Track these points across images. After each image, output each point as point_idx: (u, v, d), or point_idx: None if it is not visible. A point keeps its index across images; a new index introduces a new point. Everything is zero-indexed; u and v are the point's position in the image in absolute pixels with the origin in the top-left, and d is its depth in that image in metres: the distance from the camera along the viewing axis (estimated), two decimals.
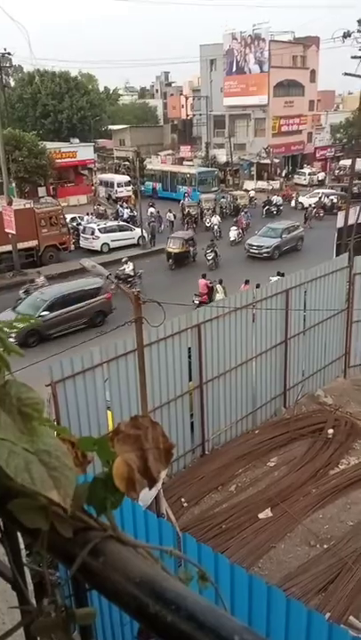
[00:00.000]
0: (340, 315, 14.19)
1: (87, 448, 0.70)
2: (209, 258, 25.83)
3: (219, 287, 20.85)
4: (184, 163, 56.00)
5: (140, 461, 0.64)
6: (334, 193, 37.86)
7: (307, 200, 37.68)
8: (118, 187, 42.68)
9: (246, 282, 19.29)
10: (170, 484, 10.45)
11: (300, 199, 38.76)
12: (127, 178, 43.70)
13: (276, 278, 20.07)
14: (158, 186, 45.40)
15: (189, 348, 11.07)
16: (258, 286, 14.65)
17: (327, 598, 7.94)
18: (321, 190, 40.26)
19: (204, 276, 20.93)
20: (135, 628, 5.58)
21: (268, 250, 27.07)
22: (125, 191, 42.41)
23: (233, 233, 30.11)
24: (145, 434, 0.66)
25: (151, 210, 34.88)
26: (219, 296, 19.95)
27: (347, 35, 18.97)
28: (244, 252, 27.85)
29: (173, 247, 26.44)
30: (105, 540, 0.65)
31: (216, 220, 32.38)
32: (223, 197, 39.24)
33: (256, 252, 27.39)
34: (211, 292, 20.27)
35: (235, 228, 30.50)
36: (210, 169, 47.10)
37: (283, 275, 20.41)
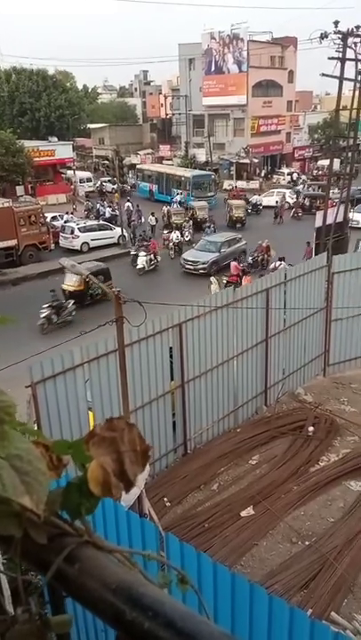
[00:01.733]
0: (320, 313, 14.32)
1: (62, 452, 0.68)
2: (139, 264, 24.77)
3: (213, 279, 21.47)
4: (164, 162, 55.97)
5: (116, 465, 0.63)
6: (299, 192, 39.81)
7: (265, 199, 39.05)
8: (80, 182, 45.23)
9: (248, 273, 21.29)
10: (152, 483, 10.43)
11: (254, 198, 39.30)
12: (89, 174, 45.78)
13: (278, 264, 20.36)
14: (155, 188, 42.97)
15: (171, 348, 11.06)
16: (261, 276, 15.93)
17: (309, 595, 8.00)
18: (278, 190, 41.63)
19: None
20: (113, 634, 5.55)
21: (205, 266, 24.39)
22: (87, 187, 45.09)
23: (141, 259, 25.15)
24: (121, 436, 0.64)
25: (128, 204, 34.93)
26: (213, 287, 20.23)
27: (324, 36, 19.07)
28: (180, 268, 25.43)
29: (69, 284, 20.61)
30: (80, 545, 0.64)
31: (175, 236, 28.30)
32: (210, 202, 36.80)
33: (191, 267, 24.71)
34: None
35: (144, 253, 25.49)
36: (206, 172, 44.13)
37: (283, 259, 20.86)
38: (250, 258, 25.19)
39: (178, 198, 38.30)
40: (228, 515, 9.68)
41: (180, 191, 40.16)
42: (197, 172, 43.25)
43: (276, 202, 37.06)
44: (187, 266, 25.09)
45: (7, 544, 0.67)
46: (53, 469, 0.67)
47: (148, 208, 35.39)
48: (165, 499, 10.20)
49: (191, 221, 31.66)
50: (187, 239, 29.29)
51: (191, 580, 0.79)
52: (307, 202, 36.40)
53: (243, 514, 9.73)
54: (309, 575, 8.30)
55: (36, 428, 8.51)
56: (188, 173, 41.33)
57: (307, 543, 9.08)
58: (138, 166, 48.89)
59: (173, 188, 41.06)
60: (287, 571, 8.42)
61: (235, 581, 5.20)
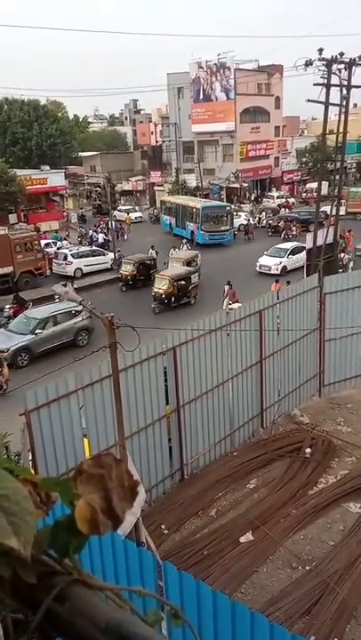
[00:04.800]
0: (313, 334, 14.37)
1: (50, 489, 0.68)
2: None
3: (226, 288, 22.51)
4: (155, 188, 56.63)
5: (103, 502, 0.63)
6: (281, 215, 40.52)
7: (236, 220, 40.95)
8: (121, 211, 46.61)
9: (276, 281, 21.60)
10: (149, 510, 10.29)
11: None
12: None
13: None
14: (173, 221, 38.82)
15: (165, 372, 11.03)
16: (288, 283, 16.79)
17: (311, 621, 7.84)
18: (244, 213, 42.40)
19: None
20: None
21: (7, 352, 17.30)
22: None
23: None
24: (109, 472, 0.65)
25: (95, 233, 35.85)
26: (228, 300, 21.29)
27: (308, 63, 19.59)
28: None
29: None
30: (70, 584, 0.63)
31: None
32: (223, 239, 33.17)
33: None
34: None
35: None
36: (219, 203, 38.82)
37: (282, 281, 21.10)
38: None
39: (183, 247, 31.37)
40: (227, 541, 9.53)
41: (190, 224, 35.78)
42: (208, 202, 38.10)
43: (243, 223, 38.94)
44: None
45: None
46: (41, 507, 0.67)
47: (167, 244, 32.24)
48: (163, 526, 10.04)
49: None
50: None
51: (187, 612, 0.79)
52: (281, 224, 37.39)
53: (242, 540, 9.58)
54: (311, 601, 8.15)
55: (30, 456, 8.41)
56: (199, 204, 36.26)
57: (307, 568, 8.94)
58: (162, 198, 45.53)
59: (187, 221, 36.71)
60: (288, 597, 8.26)
61: (235, 610, 5.11)
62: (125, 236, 37.71)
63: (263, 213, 42.16)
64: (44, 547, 0.65)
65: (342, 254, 25.91)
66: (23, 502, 0.60)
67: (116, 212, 46.31)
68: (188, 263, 26.03)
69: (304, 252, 26.10)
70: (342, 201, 29.79)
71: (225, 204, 39.23)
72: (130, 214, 46.70)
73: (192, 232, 35.49)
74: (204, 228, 34.44)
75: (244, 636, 5.00)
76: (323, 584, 8.41)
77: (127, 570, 6.06)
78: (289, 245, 29.29)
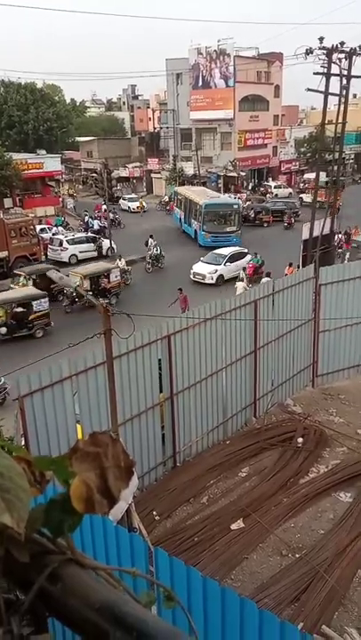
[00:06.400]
0: (308, 325, 14.39)
1: (44, 467, 0.67)
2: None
3: (243, 274, 22.68)
4: (152, 175, 56.23)
5: (99, 480, 0.62)
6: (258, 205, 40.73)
7: (131, 204, 42.40)
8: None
9: (290, 264, 21.15)
10: (141, 497, 10.34)
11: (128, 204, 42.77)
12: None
13: (266, 279, 20.61)
14: (183, 216, 35.42)
15: (160, 360, 11.03)
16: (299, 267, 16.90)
17: (300, 608, 7.94)
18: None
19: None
20: None
21: None
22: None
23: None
24: (105, 451, 0.63)
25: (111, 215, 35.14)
26: (242, 284, 21.25)
27: (309, 52, 19.38)
28: None
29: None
30: (63, 563, 0.62)
31: None
32: (229, 241, 29.24)
33: None
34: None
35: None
36: (226, 200, 34.29)
37: (269, 274, 21.21)
38: None
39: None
40: (218, 528, 9.61)
41: (194, 222, 31.56)
42: (213, 199, 33.13)
43: None
44: None
45: None
46: (35, 486, 0.66)
47: (175, 246, 30.68)
48: (154, 512, 10.10)
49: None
50: None
51: (178, 596, 0.78)
52: (252, 214, 37.81)
53: (233, 527, 9.66)
54: (300, 588, 8.25)
55: (23, 442, 8.41)
56: (202, 200, 31.89)
57: (297, 556, 9.03)
58: (175, 189, 41.85)
59: (192, 218, 33.02)
60: (278, 584, 8.35)
61: (225, 596, 5.15)
62: (122, 225, 37.78)
63: (248, 203, 41.96)
64: (38, 525, 0.64)
65: (341, 249, 25.84)
66: (17, 479, 0.59)
67: (121, 200, 46.17)
68: (95, 279, 21.92)
69: (247, 258, 25.14)
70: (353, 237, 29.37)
71: (233, 201, 34.23)
72: (133, 203, 45.88)
73: (195, 231, 32.25)
74: (206, 228, 30.76)
75: (233, 622, 5.05)
76: (312, 572, 8.50)
77: (118, 555, 6.09)
78: (227, 251, 26.14)
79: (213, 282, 24.46)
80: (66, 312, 21.07)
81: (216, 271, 24.83)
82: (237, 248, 27.01)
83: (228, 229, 30.96)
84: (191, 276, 25.07)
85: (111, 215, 37.31)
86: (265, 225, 37.34)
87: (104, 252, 29.77)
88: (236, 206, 32.10)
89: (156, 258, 27.77)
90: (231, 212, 31.46)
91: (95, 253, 29.76)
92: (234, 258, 25.54)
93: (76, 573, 0.62)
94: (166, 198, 48.08)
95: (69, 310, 21.17)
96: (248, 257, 25.79)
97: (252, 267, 24.53)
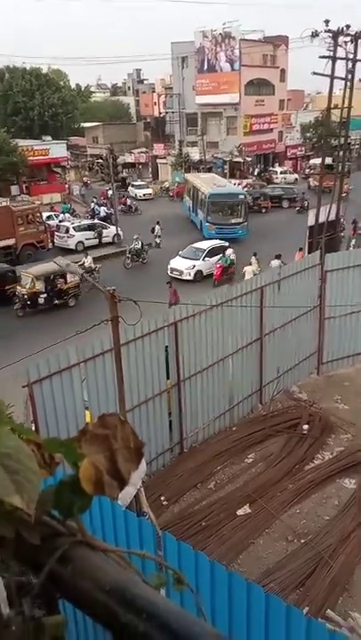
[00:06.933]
0: (313, 312, 14.34)
1: (53, 450, 0.66)
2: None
3: (253, 259, 21.77)
4: (158, 161, 55.86)
5: (108, 462, 0.61)
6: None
7: (138, 192, 42.58)
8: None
9: (300, 249, 20.66)
10: (149, 482, 10.42)
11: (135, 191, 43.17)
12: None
13: (276, 262, 20.52)
14: (191, 204, 34.42)
15: (167, 347, 11.04)
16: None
17: (305, 593, 8.01)
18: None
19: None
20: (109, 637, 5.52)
21: None
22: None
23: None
24: (114, 433, 0.63)
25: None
26: (250, 268, 20.79)
27: (315, 35, 19.10)
28: None
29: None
30: (74, 545, 0.62)
31: None
32: (234, 233, 28.26)
33: None
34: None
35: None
36: (232, 189, 32.17)
37: (280, 256, 20.84)
38: None
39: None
40: (225, 513, 9.68)
41: (200, 212, 30.41)
42: (220, 188, 31.11)
43: None
44: None
45: None
46: (45, 468, 0.65)
47: (180, 236, 29.23)
48: (162, 498, 10.19)
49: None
50: None
51: (187, 579, 0.78)
52: (250, 200, 36.69)
53: (239, 512, 9.73)
54: (305, 573, 8.32)
55: (32, 428, 8.49)
56: (207, 189, 30.45)
57: (302, 541, 9.09)
58: (186, 176, 40.93)
59: (198, 207, 31.80)
60: (283, 569, 8.43)
61: (232, 580, 5.20)
62: (138, 210, 37.73)
63: (245, 189, 41.59)
64: (48, 507, 0.64)
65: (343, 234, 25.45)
66: (26, 461, 0.58)
67: (130, 187, 45.90)
68: (50, 280, 20.37)
69: (229, 252, 23.73)
70: None
71: (239, 190, 32.71)
72: (141, 190, 45.53)
73: (201, 222, 30.90)
74: (210, 219, 29.41)
75: (240, 606, 5.10)
76: (317, 557, 8.57)
77: (127, 539, 6.15)
78: (206, 245, 24.93)
79: (191, 278, 23.09)
80: (18, 316, 19.73)
81: (194, 267, 23.52)
82: (218, 242, 25.52)
83: (233, 221, 29.60)
84: (169, 272, 23.67)
85: (129, 201, 38.36)
86: (263, 211, 36.91)
87: (110, 239, 29.65)
88: (242, 196, 30.63)
89: (136, 252, 25.96)
90: (237, 202, 29.97)
91: (107, 239, 29.57)
92: (213, 252, 24.16)
93: (87, 555, 0.62)
94: (167, 184, 47.79)
95: (21, 314, 19.85)
96: (230, 251, 24.13)
97: (220, 267, 22.82)
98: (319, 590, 7.96)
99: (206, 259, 23.80)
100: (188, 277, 23.12)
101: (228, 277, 22.33)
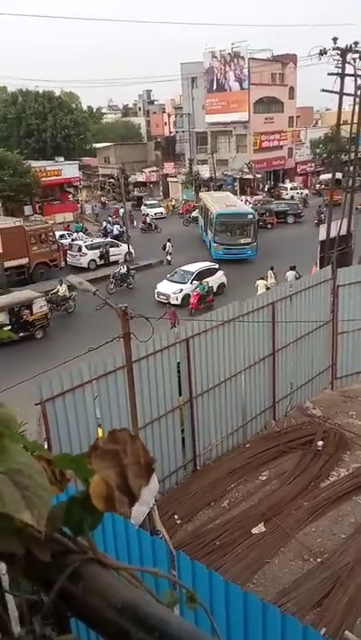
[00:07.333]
0: (326, 326, 14.26)
1: (64, 466, 0.66)
2: None
3: (270, 273, 21.68)
4: (168, 179, 56.42)
5: (119, 478, 0.61)
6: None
7: (151, 210, 44.08)
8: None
9: (316, 263, 20.15)
10: (162, 500, 10.32)
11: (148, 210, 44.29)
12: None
13: (291, 273, 20.44)
14: (203, 224, 34.15)
15: (178, 363, 11.02)
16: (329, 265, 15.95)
17: (322, 613, 7.83)
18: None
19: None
20: None
21: None
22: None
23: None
24: (124, 449, 0.63)
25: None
26: (263, 282, 20.63)
27: (323, 52, 19.30)
28: None
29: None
30: (85, 562, 0.62)
31: None
32: (242, 254, 28.24)
33: None
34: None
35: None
36: (241, 209, 30.92)
37: (294, 267, 20.73)
38: None
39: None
40: (240, 532, 9.54)
41: (209, 232, 29.65)
42: (229, 208, 30.29)
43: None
44: None
45: (10, 562, 0.65)
46: (56, 484, 0.65)
47: (187, 255, 28.39)
48: (176, 516, 10.08)
49: None
50: None
51: (201, 598, 0.77)
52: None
53: (254, 531, 9.59)
54: (322, 593, 8.14)
55: (45, 446, 8.49)
56: (216, 209, 29.80)
57: (319, 560, 8.92)
58: (200, 194, 40.74)
59: (208, 227, 31.12)
60: (299, 589, 8.26)
61: (247, 600, 5.11)
62: (158, 229, 38.29)
63: (251, 205, 41.50)
64: (59, 524, 0.63)
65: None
66: (37, 477, 0.58)
67: (143, 207, 46.37)
68: (15, 312, 19.32)
69: (217, 275, 23.18)
70: None
71: (248, 210, 31.14)
72: (153, 209, 45.84)
73: (210, 242, 30.17)
74: (217, 239, 28.68)
75: (255, 626, 5.00)
76: (334, 576, 8.39)
77: (140, 559, 6.09)
78: (194, 268, 23.80)
79: (179, 303, 21.95)
80: None
81: (181, 290, 22.48)
82: (207, 264, 24.66)
83: (242, 241, 28.87)
84: (156, 296, 22.96)
85: (148, 219, 39.36)
86: (269, 227, 37.01)
87: (123, 258, 29.79)
88: (251, 216, 29.48)
89: (121, 277, 24.61)
90: (246, 222, 29.09)
91: (119, 257, 29.33)
92: (202, 275, 23.10)
93: (98, 573, 0.61)
94: (173, 202, 48.21)
95: None
96: (220, 273, 23.49)
97: (197, 295, 21.44)
98: (336, 610, 7.78)
99: (194, 282, 22.73)
100: (176, 302, 22.07)
101: (207, 306, 20.66)
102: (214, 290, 22.66)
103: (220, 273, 23.73)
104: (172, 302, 21.86)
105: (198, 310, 20.32)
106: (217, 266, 24.68)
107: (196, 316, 16.97)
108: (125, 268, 25.22)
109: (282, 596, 8.11)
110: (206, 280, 22.63)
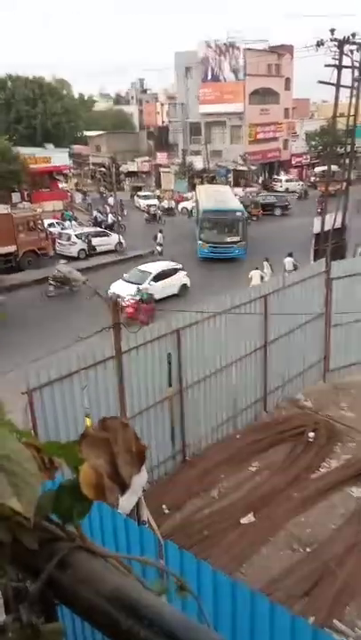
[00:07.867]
0: (319, 319, 14.31)
1: (53, 453, 0.65)
2: None
3: (265, 264, 21.30)
4: (161, 170, 56.12)
5: (109, 466, 0.60)
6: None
7: (143, 202, 42.95)
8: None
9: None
10: (151, 490, 10.35)
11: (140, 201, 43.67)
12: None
13: (289, 259, 20.40)
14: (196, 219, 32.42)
15: (169, 354, 11.01)
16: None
17: (311, 602, 7.91)
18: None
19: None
20: None
21: None
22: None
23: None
24: (115, 437, 0.62)
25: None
26: (258, 272, 20.35)
27: (320, 43, 19.23)
28: None
29: None
30: (73, 550, 0.61)
31: None
32: (230, 253, 26.63)
33: None
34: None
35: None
36: (228, 206, 28.94)
37: (291, 254, 20.73)
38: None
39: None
40: (229, 522, 9.60)
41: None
42: (215, 204, 28.68)
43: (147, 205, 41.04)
44: None
45: None
46: (45, 471, 0.64)
47: (174, 251, 27.08)
48: (164, 506, 10.11)
49: None
50: None
51: (190, 587, 0.77)
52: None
53: (243, 521, 9.65)
54: (311, 582, 8.22)
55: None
56: (203, 204, 28.72)
57: (308, 550, 9.00)
58: (198, 186, 39.30)
59: (196, 223, 30.09)
60: (288, 578, 8.34)
61: (235, 589, 5.14)
62: (162, 220, 37.64)
63: (237, 197, 41.27)
64: (47, 511, 0.62)
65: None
66: (26, 463, 0.57)
67: (136, 197, 45.84)
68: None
69: (179, 275, 21.59)
70: None
71: (235, 207, 29.03)
72: (146, 201, 44.76)
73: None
74: (203, 236, 27.04)
75: (244, 615, 5.04)
76: (323, 566, 8.48)
77: (128, 548, 6.10)
78: (153, 268, 21.87)
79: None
80: None
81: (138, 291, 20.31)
82: (168, 263, 22.78)
83: (228, 239, 27.02)
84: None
85: (152, 210, 39.04)
86: (254, 219, 35.71)
87: (113, 247, 29.67)
88: (239, 213, 27.66)
89: (62, 280, 21.99)
90: (234, 220, 27.30)
91: (109, 247, 29.19)
92: (162, 276, 21.25)
93: (86, 561, 0.61)
94: (158, 192, 47.97)
95: None
96: (182, 273, 21.81)
97: (135, 303, 18.87)
98: (325, 600, 7.86)
99: (152, 283, 20.64)
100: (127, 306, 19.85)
101: (149, 316, 17.67)
102: (153, 298, 19.74)
103: (182, 273, 22.01)
104: (124, 305, 18.17)
105: (135, 319, 17.12)
106: (180, 266, 22.57)
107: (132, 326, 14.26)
108: (70, 270, 22.22)
109: (270, 586, 8.18)
110: (145, 287, 20.35)
